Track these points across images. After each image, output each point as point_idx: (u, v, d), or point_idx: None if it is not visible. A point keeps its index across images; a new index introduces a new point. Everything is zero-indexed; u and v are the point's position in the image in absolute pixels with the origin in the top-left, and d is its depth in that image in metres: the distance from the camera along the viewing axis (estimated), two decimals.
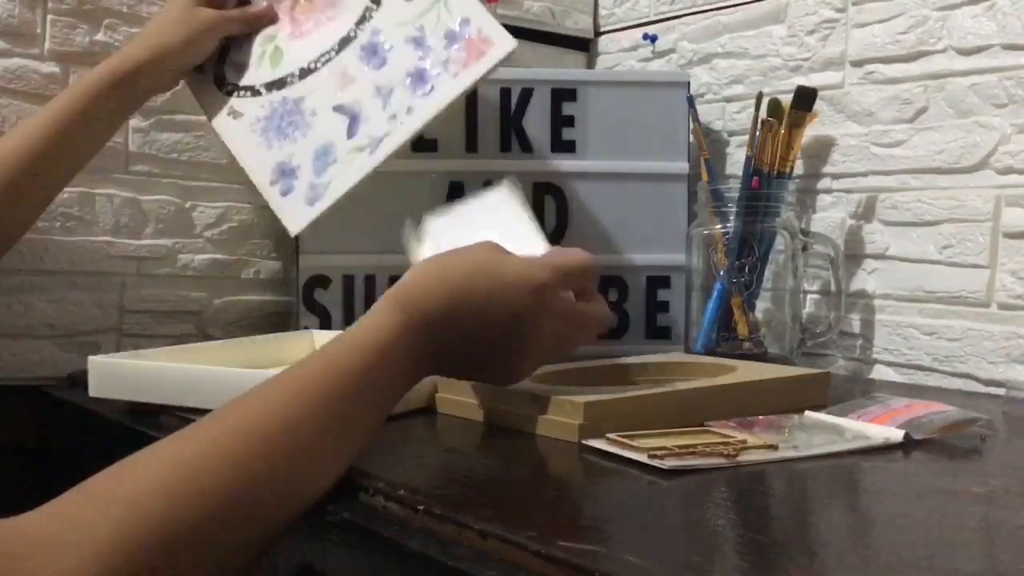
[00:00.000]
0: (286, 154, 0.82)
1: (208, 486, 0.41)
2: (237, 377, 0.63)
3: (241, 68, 0.86)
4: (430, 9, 0.80)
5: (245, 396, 0.46)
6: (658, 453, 0.52)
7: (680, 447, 0.53)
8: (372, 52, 0.81)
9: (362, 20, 0.82)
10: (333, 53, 0.83)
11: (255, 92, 0.85)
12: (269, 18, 0.87)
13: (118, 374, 0.69)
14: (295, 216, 0.81)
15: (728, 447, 0.54)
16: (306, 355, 0.50)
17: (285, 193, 0.81)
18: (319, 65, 0.83)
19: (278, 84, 0.84)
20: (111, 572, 0.37)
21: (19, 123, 0.79)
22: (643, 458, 0.52)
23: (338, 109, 0.81)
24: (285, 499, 0.44)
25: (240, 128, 0.84)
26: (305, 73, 0.83)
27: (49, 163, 0.75)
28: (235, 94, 0.86)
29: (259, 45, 0.87)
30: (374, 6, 0.83)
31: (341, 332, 0.51)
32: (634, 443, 0.54)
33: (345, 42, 0.83)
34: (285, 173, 0.81)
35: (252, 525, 0.43)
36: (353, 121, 0.80)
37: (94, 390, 0.70)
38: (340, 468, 0.47)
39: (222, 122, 0.85)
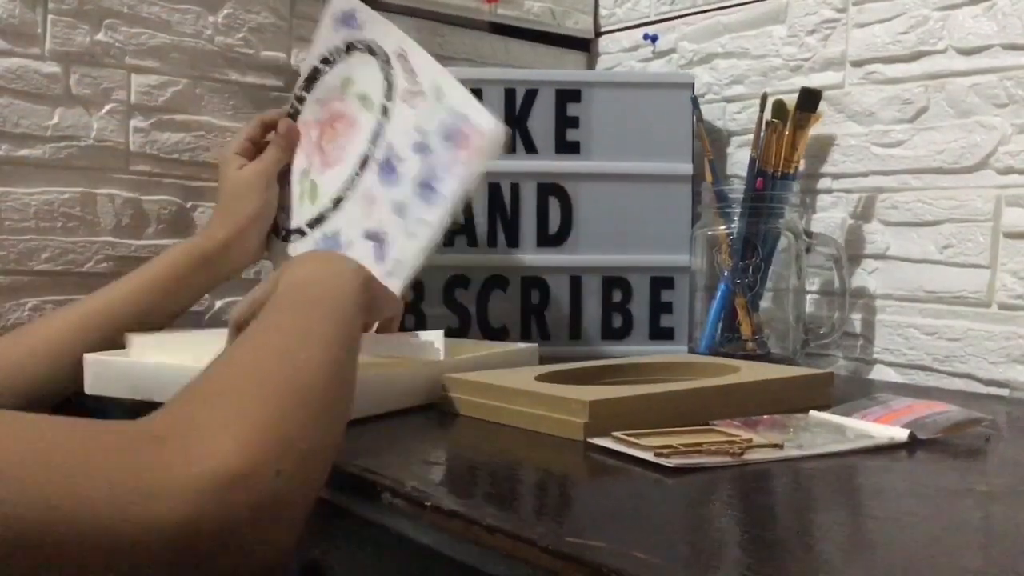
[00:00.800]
0: None
1: (287, 368, 0.48)
2: None
3: (288, 211, 0.86)
4: (429, 109, 0.78)
5: (270, 315, 0.55)
6: (664, 451, 0.52)
7: (686, 446, 0.53)
8: (389, 169, 0.79)
9: (376, 136, 0.81)
10: (356, 176, 0.81)
11: (302, 233, 0.84)
12: (293, 132, 0.87)
13: (113, 372, 0.69)
14: None
15: (734, 446, 0.54)
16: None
17: None
18: (347, 192, 0.82)
19: (318, 220, 0.83)
20: (249, 449, 0.41)
21: (102, 290, 0.79)
22: (649, 456, 0.52)
23: (368, 235, 0.79)
24: (336, 381, 0.50)
25: None
26: (337, 203, 0.82)
27: (124, 330, 0.76)
28: (289, 239, 0.85)
29: (297, 184, 0.86)
30: (384, 119, 0.81)
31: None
32: (640, 441, 0.54)
33: (364, 162, 0.81)
34: None
35: (324, 415, 0.48)
36: (379, 246, 0.79)
37: (90, 387, 0.69)
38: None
39: None
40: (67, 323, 0.75)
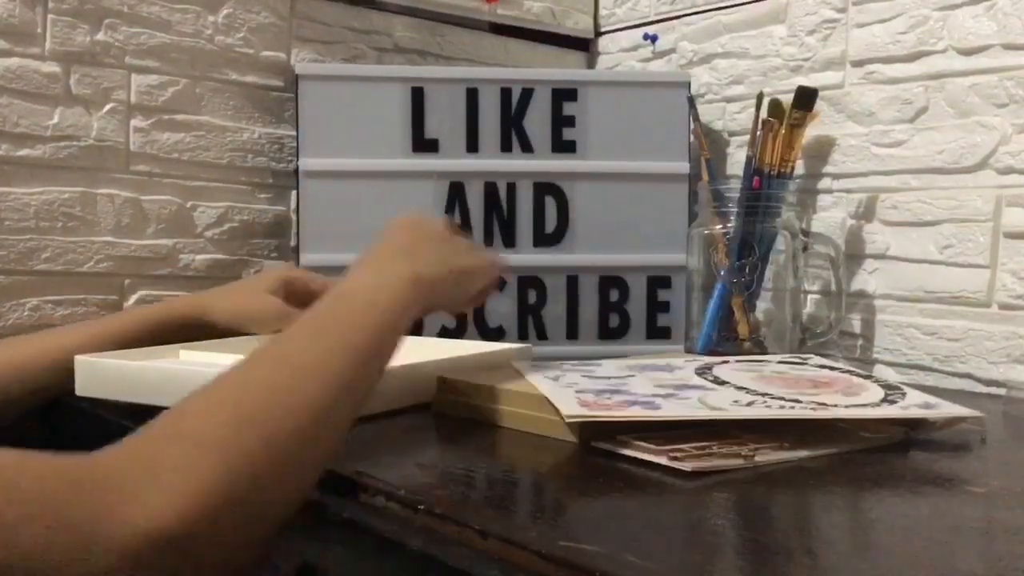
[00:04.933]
0: None
1: (262, 416, 0.45)
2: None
3: None
4: None
5: (284, 337, 0.52)
6: (678, 455, 0.51)
7: (697, 448, 0.53)
8: None
9: None
10: None
11: None
12: None
13: (102, 374, 0.69)
14: None
15: (744, 448, 0.54)
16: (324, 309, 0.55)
17: None
18: None
19: None
20: (199, 500, 0.40)
21: (81, 324, 0.79)
22: (663, 460, 0.51)
23: None
24: (326, 427, 0.48)
25: None
26: None
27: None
28: None
29: None
30: None
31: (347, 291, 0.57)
32: (649, 444, 0.53)
33: None
34: None
35: (303, 454, 0.46)
36: None
37: (80, 389, 0.70)
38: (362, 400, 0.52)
39: None
40: (81, 335, 0.75)
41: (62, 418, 0.81)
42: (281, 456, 0.44)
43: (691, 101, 1.01)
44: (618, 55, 1.22)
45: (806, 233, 0.96)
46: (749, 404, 0.59)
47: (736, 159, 1.07)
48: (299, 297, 0.80)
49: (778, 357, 0.79)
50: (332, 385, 0.48)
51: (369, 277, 0.58)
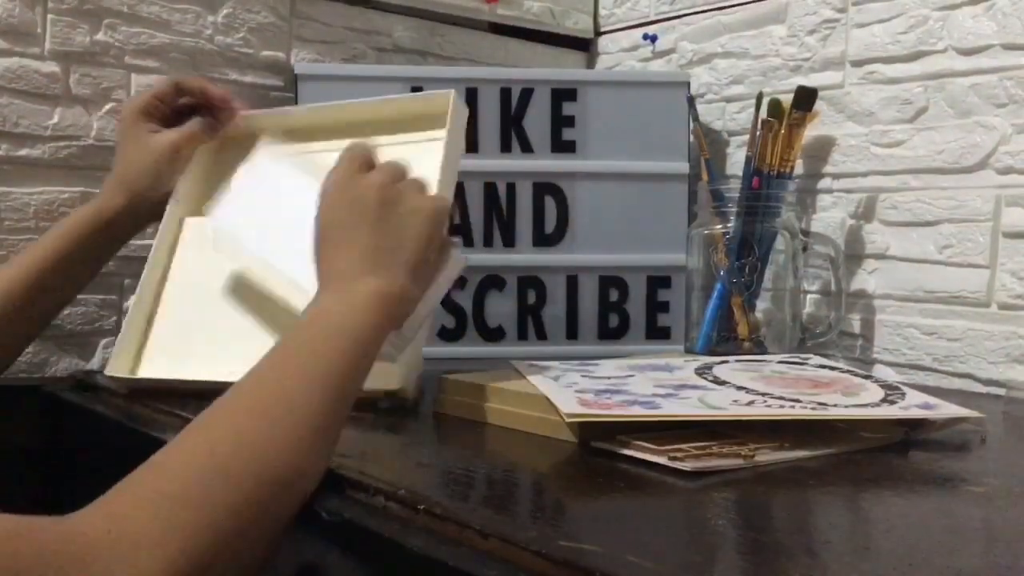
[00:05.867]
0: None
1: (236, 472, 0.44)
2: None
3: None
4: None
5: (253, 376, 0.50)
6: (678, 455, 0.52)
7: (697, 448, 0.53)
8: None
9: None
10: None
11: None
12: (229, 116, 0.83)
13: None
14: None
15: (744, 447, 0.54)
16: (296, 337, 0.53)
17: None
18: None
19: None
20: (179, 567, 0.39)
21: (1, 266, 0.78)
22: (663, 460, 0.51)
23: None
24: (308, 469, 0.48)
25: None
26: None
27: (33, 304, 0.75)
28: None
29: None
30: None
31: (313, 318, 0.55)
32: (650, 444, 0.54)
33: None
34: None
35: (283, 497, 0.46)
36: None
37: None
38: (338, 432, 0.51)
39: None
40: None
41: (64, 419, 0.81)
42: (262, 503, 0.44)
43: (691, 101, 1.01)
44: (618, 55, 1.22)
45: (806, 233, 0.96)
46: (749, 404, 0.59)
47: (736, 159, 1.07)
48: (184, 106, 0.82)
49: (778, 357, 0.80)
50: (307, 425, 0.48)
51: (335, 301, 0.55)
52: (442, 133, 0.71)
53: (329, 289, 0.56)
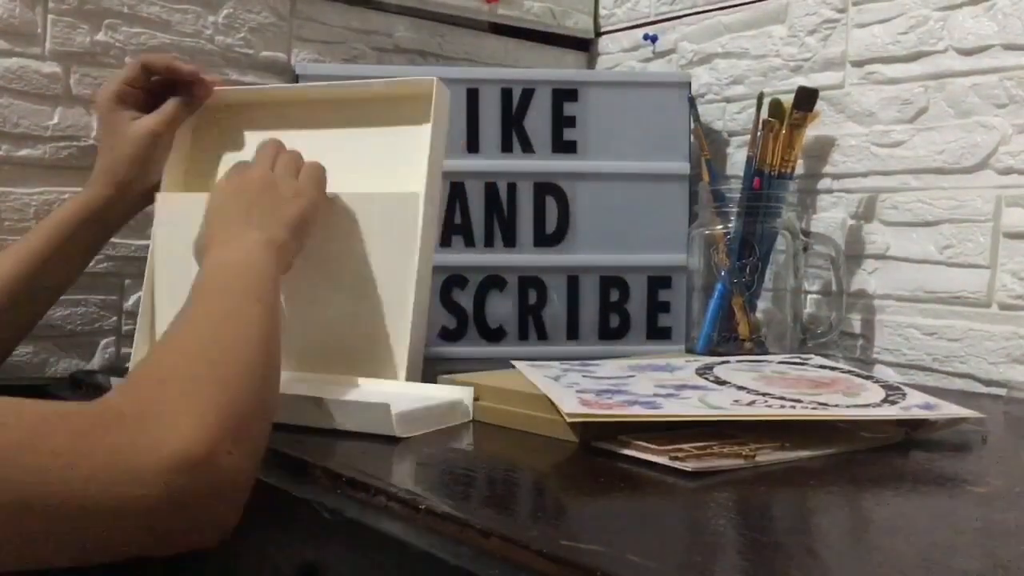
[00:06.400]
0: None
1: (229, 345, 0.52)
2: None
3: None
4: None
5: (185, 315, 0.56)
6: (679, 455, 0.51)
7: (697, 448, 0.53)
8: None
9: None
10: None
11: None
12: (202, 88, 0.82)
13: None
14: None
15: (745, 447, 0.54)
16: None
17: None
18: None
19: None
20: (210, 429, 0.44)
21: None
22: (664, 460, 0.51)
23: None
24: (274, 350, 0.56)
25: None
26: None
27: (28, 295, 0.76)
28: None
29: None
30: None
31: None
32: (650, 444, 0.54)
33: None
34: None
35: (270, 369, 0.54)
36: None
37: None
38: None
39: None
40: None
41: None
42: (255, 381, 0.50)
43: (691, 101, 1.01)
44: (618, 55, 1.22)
45: (806, 233, 0.96)
46: (750, 404, 0.59)
47: (736, 159, 1.07)
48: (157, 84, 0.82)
49: (779, 357, 0.79)
50: (259, 324, 0.55)
51: (229, 251, 0.62)
52: (427, 117, 0.75)
53: (216, 247, 0.62)
